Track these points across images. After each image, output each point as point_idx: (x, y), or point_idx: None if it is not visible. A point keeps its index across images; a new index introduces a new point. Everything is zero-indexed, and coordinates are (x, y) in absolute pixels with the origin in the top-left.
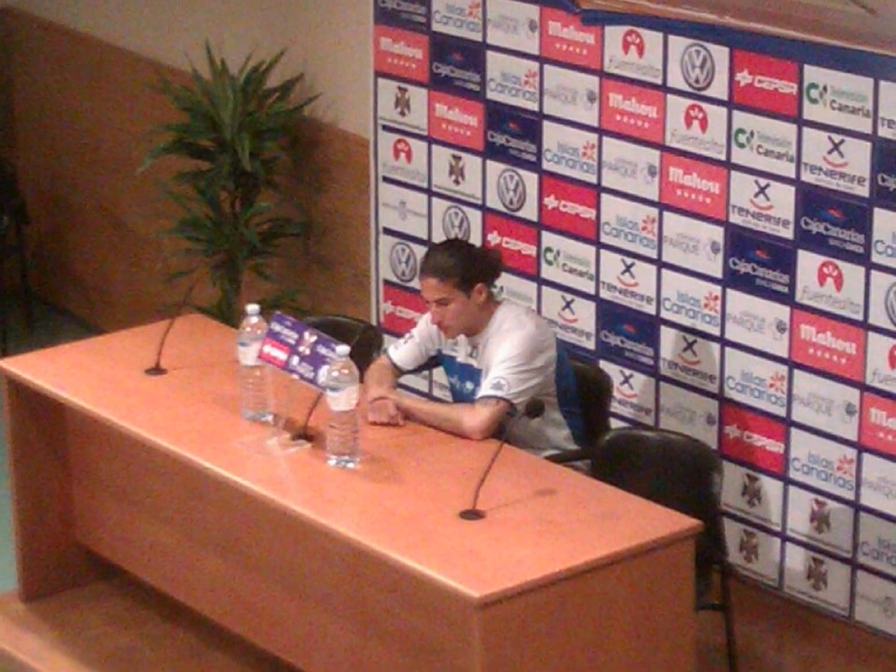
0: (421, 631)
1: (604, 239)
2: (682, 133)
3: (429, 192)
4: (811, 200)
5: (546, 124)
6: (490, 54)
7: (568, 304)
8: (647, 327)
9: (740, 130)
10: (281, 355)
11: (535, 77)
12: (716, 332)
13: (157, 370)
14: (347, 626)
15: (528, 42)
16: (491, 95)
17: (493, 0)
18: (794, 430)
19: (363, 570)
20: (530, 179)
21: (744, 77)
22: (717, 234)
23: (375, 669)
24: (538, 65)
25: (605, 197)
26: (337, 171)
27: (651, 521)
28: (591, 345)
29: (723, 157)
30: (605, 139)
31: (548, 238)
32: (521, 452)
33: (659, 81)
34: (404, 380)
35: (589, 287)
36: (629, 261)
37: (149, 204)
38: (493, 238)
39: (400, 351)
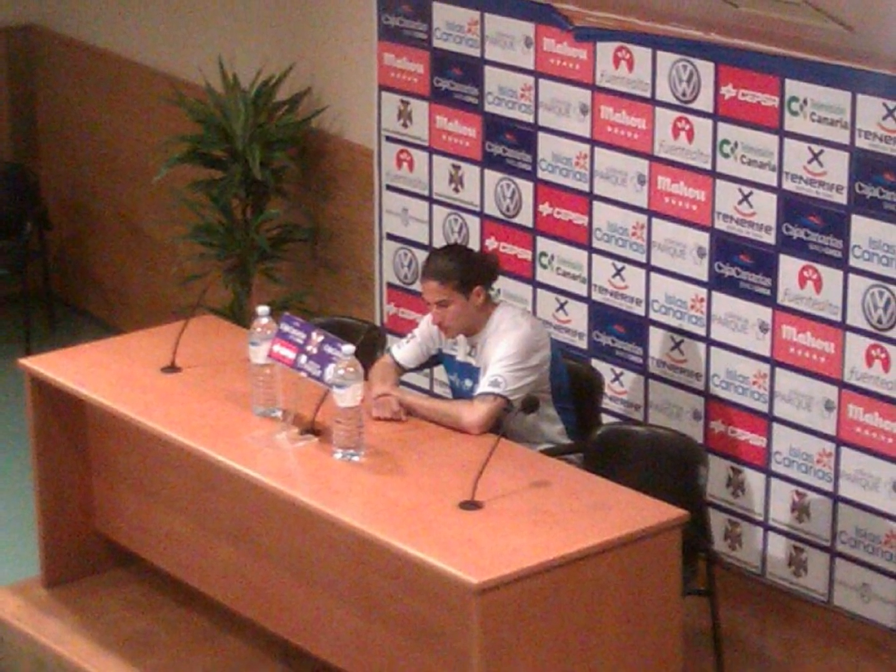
0: (422, 615)
1: (595, 244)
2: (669, 144)
3: (430, 199)
4: (792, 207)
5: (541, 135)
6: (488, 69)
7: (561, 306)
8: (636, 328)
9: (725, 141)
10: (290, 354)
11: (531, 91)
12: (702, 332)
13: (172, 368)
14: (352, 610)
15: (523, 57)
16: (489, 108)
17: (491, 18)
18: (775, 425)
19: (367, 558)
20: (526, 188)
21: (728, 91)
22: (703, 239)
23: (379, 652)
24: (533, 79)
25: (596, 204)
26: (343, 180)
27: (640, 512)
28: (583, 344)
29: (708, 167)
30: (597, 149)
31: (542, 243)
32: (517, 446)
33: (648, 95)
34: (406, 377)
35: (581, 289)
36: (619, 265)
37: (164, 211)
38: (491, 243)
39: (402, 350)
